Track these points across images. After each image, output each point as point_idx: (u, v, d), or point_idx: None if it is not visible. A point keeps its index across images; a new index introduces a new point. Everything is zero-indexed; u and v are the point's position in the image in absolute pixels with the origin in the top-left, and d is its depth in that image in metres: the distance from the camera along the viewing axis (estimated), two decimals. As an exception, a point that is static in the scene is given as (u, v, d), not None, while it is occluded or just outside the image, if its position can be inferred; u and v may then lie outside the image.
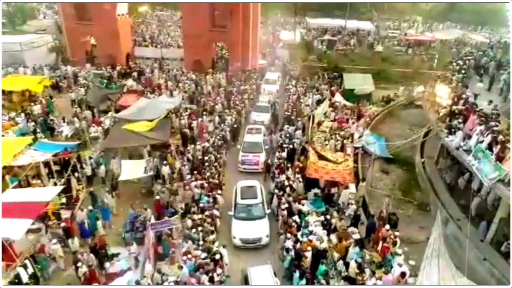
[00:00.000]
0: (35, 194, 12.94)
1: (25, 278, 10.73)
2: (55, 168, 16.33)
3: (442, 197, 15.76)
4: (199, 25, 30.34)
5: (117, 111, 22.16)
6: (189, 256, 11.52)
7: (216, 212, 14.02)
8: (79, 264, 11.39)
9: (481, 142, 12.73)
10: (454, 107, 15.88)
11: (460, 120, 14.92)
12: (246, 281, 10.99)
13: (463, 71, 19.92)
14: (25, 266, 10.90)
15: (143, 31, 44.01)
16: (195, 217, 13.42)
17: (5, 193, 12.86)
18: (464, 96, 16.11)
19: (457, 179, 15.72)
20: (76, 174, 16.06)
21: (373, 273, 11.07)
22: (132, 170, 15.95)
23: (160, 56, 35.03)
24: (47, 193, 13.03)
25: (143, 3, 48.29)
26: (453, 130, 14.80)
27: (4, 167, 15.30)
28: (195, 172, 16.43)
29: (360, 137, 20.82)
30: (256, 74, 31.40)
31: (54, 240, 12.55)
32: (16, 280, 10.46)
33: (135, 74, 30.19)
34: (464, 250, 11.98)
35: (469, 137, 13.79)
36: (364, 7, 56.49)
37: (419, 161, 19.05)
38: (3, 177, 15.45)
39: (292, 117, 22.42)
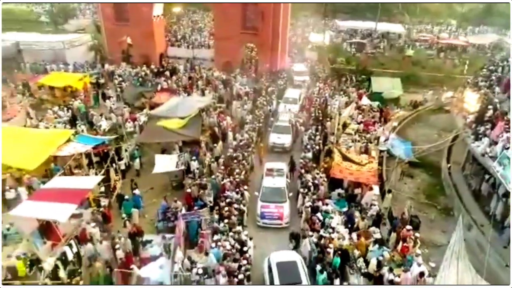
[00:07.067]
0: (78, 181, 14.13)
1: (70, 256, 11.85)
2: (95, 159, 17.62)
3: (466, 202, 15.85)
4: (231, 27, 31.19)
5: (151, 108, 23.33)
6: (218, 244, 12.29)
7: (243, 207, 14.70)
8: (117, 246, 12.40)
9: (507, 148, 12.81)
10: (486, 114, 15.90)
11: (487, 126, 14.96)
12: None
13: (493, 77, 19.73)
14: (70, 246, 12.01)
15: (175, 31, 45.48)
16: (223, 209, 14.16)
17: (53, 180, 14.16)
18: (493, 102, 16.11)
19: (482, 185, 15.75)
20: (114, 165, 17.23)
21: (391, 269, 11.42)
22: (165, 164, 16.96)
23: (191, 56, 36.20)
24: (89, 181, 14.22)
25: (177, 4, 49.95)
26: (479, 136, 14.86)
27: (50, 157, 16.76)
28: (224, 168, 17.22)
29: (386, 140, 20.97)
30: (284, 75, 31.96)
31: (93, 224, 13.65)
32: (63, 258, 11.56)
33: (167, 73, 31.48)
34: (486, 254, 12.14)
35: (496, 143, 13.86)
36: (396, 9, 55.92)
37: (445, 166, 19.09)
38: (48, 164, 16.93)
39: (320, 118, 22.73)
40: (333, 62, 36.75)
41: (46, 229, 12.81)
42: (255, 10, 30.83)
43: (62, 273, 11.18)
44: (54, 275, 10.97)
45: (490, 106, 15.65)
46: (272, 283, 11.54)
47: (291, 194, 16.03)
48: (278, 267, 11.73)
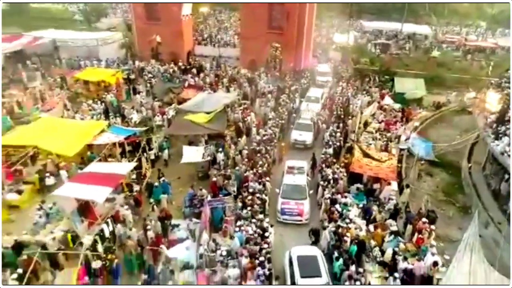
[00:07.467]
0: (114, 167, 15.33)
1: (107, 233, 12.99)
2: (128, 148, 18.88)
3: (485, 201, 16.07)
4: (257, 27, 31.99)
5: (179, 103, 24.48)
6: (242, 228, 13.15)
7: (265, 197, 15.50)
8: (148, 227, 13.45)
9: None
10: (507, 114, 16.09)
11: (508, 126, 15.16)
12: None
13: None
14: (107, 224, 13.15)
15: (202, 30, 46.80)
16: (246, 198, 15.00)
17: (91, 165, 15.43)
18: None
19: (501, 184, 15.93)
20: (145, 154, 18.40)
21: (405, 258, 11.94)
22: (192, 155, 18.02)
23: (217, 54, 37.30)
24: (123, 167, 15.41)
25: (204, 4, 51.25)
26: (500, 135, 15.09)
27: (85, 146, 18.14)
28: (248, 160, 18.03)
29: (407, 139, 21.28)
30: (307, 74, 32.55)
31: (126, 207, 14.78)
32: (101, 234, 12.70)
33: (194, 70, 32.63)
34: (501, 251, 12.43)
35: (515, 142, 14.09)
36: (423, 10, 55.35)
37: (465, 165, 19.25)
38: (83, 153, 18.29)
39: (342, 116, 23.24)
40: (357, 62, 36.93)
41: (84, 209, 14.02)
42: (281, 10, 31.51)
43: (100, 248, 12.31)
44: (93, 249, 12.11)
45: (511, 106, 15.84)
46: (292, 276, 11.84)
47: (311, 191, 16.39)
48: (299, 261, 12.07)
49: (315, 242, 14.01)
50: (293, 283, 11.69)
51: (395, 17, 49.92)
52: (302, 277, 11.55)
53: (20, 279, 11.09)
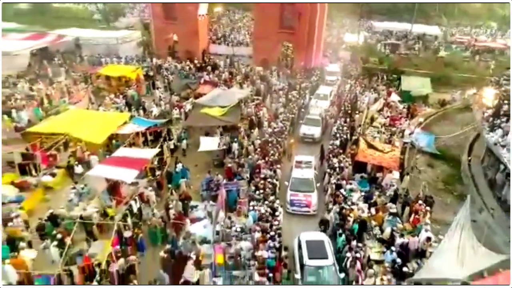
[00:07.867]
0: (139, 152, 16.97)
1: (135, 209, 14.59)
2: (150, 138, 20.54)
3: (481, 190, 17.23)
4: (269, 27, 33.29)
5: (195, 98, 26.03)
6: (255, 208, 14.61)
7: (275, 182, 16.91)
8: (170, 206, 14.98)
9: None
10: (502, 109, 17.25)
11: (503, 119, 16.30)
12: None
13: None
14: (135, 201, 14.74)
15: (216, 30, 48.40)
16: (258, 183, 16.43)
17: (118, 150, 17.10)
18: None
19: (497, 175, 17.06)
20: (166, 143, 19.98)
21: (402, 235, 13.23)
22: (208, 144, 19.58)
23: (231, 53, 38.80)
24: (148, 152, 17.02)
25: (218, 4, 52.82)
26: (495, 128, 16.23)
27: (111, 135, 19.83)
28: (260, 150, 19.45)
29: (410, 133, 22.42)
30: (317, 73, 33.82)
31: (150, 188, 16.36)
32: (130, 209, 14.30)
33: (209, 68, 34.18)
34: (493, 233, 13.64)
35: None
36: (433, 11, 56.03)
37: (465, 159, 20.37)
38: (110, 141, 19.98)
39: (349, 112, 24.50)
40: (366, 61, 37.93)
41: (113, 189, 15.67)
42: (292, 10, 32.77)
43: (129, 220, 13.90)
44: (124, 221, 13.73)
45: (506, 101, 16.93)
46: (301, 258, 12.70)
47: (318, 184, 17.40)
48: (307, 244, 12.98)
49: (324, 231, 14.91)
50: (301, 264, 12.54)
51: (406, 17, 50.73)
52: (310, 258, 12.48)
53: (59, 245, 12.78)
